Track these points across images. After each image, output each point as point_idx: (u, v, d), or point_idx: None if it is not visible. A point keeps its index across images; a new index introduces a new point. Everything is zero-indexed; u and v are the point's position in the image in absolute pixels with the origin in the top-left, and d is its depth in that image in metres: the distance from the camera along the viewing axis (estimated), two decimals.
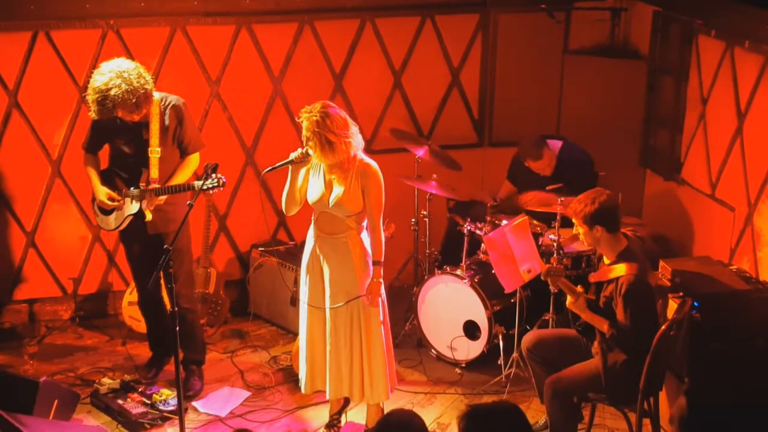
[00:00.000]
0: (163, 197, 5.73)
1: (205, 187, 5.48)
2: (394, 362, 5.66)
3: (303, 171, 5.33)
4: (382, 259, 5.39)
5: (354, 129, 5.25)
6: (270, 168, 5.31)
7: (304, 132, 5.18)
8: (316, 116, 5.12)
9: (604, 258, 5.29)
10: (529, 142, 6.74)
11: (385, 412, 5.39)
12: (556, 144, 6.78)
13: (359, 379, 5.45)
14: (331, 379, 5.47)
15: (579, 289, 5.32)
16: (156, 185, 5.71)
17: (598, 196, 5.17)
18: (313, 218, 5.45)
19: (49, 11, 6.47)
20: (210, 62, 6.88)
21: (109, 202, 5.81)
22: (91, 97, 5.53)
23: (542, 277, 5.43)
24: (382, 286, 5.41)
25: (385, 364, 5.47)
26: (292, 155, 5.25)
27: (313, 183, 5.34)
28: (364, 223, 5.39)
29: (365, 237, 5.41)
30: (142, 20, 6.64)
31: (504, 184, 7.10)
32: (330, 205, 5.29)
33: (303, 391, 5.62)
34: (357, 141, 5.27)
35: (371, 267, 5.39)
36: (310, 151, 5.18)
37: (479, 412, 3.71)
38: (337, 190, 5.26)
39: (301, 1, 6.95)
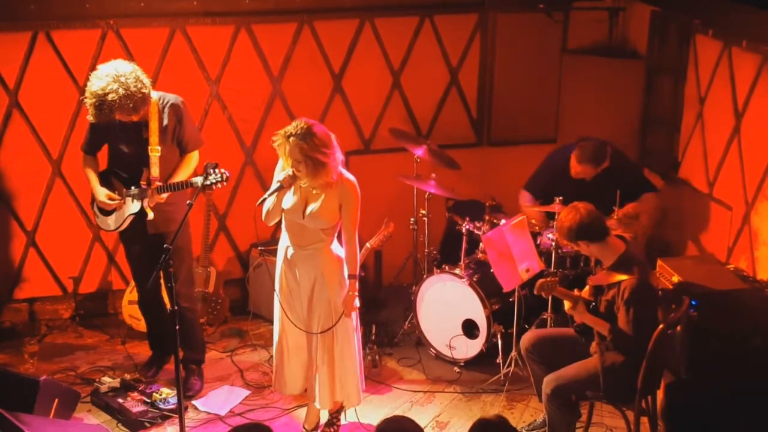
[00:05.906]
0: (165, 194, 5.73)
1: (209, 182, 5.46)
2: (363, 371, 5.65)
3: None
4: (357, 273, 5.29)
5: (335, 142, 5.08)
6: (261, 200, 5.22)
7: (289, 155, 5.01)
8: (302, 138, 4.91)
9: (603, 262, 5.31)
10: (595, 146, 6.28)
11: (375, 414, 5.39)
12: None
13: (329, 386, 5.43)
14: (310, 384, 5.50)
15: (576, 293, 5.33)
16: (158, 183, 5.71)
17: (568, 215, 5.20)
18: (284, 227, 5.36)
19: (49, 11, 6.48)
20: (209, 62, 6.89)
21: (110, 203, 5.82)
22: (88, 101, 5.50)
23: (535, 292, 5.36)
24: (357, 299, 5.32)
25: (356, 370, 5.47)
26: (279, 180, 5.12)
27: (288, 193, 5.22)
28: (336, 234, 5.31)
29: (337, 248, 5.33)
30: (141, 20, 6.65)
31: (522, 196, 6.71)
32: (303, 218, 5.19)
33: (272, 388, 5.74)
34: (340, 156, 5.11)
35: (347, 279, 5.29)
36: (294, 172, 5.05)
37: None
38: (314, 203, 5.15)
39: (300, 2, 6.95)
